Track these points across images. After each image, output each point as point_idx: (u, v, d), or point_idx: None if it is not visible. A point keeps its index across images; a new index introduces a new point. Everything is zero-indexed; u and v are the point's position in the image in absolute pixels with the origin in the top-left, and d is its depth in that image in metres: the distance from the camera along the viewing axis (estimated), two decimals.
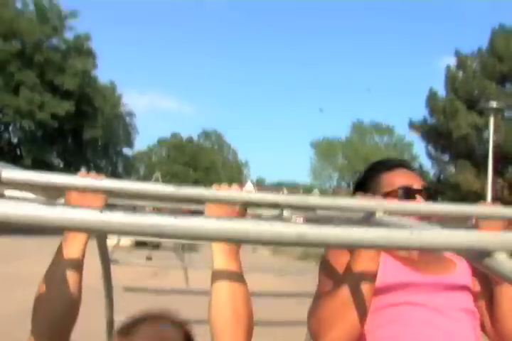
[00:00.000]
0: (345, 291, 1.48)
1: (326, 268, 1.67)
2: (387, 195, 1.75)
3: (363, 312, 1.49)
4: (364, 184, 1.86)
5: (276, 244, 0.54)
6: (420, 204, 0.96)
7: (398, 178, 1.78)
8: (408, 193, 1.74)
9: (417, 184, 1.77)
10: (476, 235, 0.60)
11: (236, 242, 1.23)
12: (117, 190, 0.83)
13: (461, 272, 1.71)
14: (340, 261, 1.59)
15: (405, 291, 1.60)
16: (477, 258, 0.61)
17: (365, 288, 1.48)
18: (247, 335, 1.36)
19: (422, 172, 23.24)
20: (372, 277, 1.49)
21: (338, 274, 1.60)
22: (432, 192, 1.81)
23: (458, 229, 0.62)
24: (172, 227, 0.50)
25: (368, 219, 0.90)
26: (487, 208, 1.10)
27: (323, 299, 1.54)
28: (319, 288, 1.66)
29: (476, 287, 1.74)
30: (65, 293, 1.36)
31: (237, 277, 1.38)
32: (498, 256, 0.59)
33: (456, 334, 1.60)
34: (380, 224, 0.82)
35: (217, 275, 1.37)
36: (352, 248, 0.64)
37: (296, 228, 0.52)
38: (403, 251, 1.69)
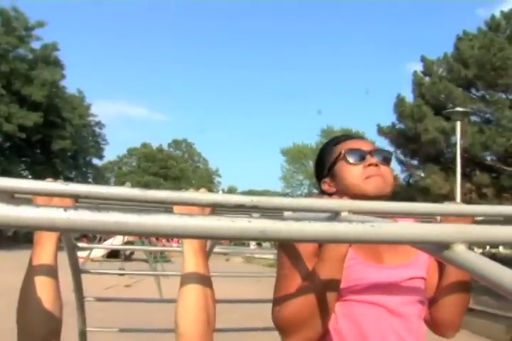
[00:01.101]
0: (314, 286, 1.50)
1: (288, 251, 1.65)
2: (336, 161, 1.75)
3: (330, 305, 1.51)
4: (320, 161, 1.87)
5: (240, 238, 0.55)
6: (386, 203, 0.98)
7: (347, 145, 1.77)
8: (357, 155, 1.72)
9: (367, 146, 1.76)
10: (436, 227, 0.62)
11: (200, 238, 1.24)
12: (84, 193, 0.83)
13: (419, 260, 1.73)
14: (305, 247, 1.59)
15: (359, 287, 1.62)
16: (437, 250, 0.63)
17: (333, 281, 1.50)
18: (211, 338, 1.38)
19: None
20: (338, 270, 1.52)
21: (301, 259, 1.60)
22: (391, 157, 1.78)
23: (418, 223, 0.64)
24: (136, 224, 0.51)
25: (333, 218, 0.91)
26: (451, 206, 1.13)
27: (291, 293, 1.55)
28: (282, 273, 1.64)
29: (433, 272, 1.77)
30: (44, 302, 1.35)
31: (207, 279, 1.40)
32: (457, 248, 0.61)
33: (403, 331, 1.63)
34: (343, 221, 0.84)
35: (188, 278, 1.39)
36: (312, 242, 0.65)
37: (258, 223, 0.53)
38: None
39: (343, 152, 1.74)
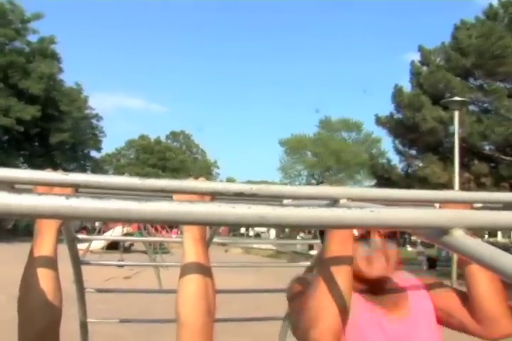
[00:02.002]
0: (325, 280, 1.50)
1: (295, 298, 1.69)
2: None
3: (345, 296, 1.51)
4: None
5: (240, 225, 0.55)
6: (384, 190, 0.98)
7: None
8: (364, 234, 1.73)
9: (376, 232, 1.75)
10: (434, 213, 0.62)
11: (200, 224, 1.24)
12: (84, 183, 0.84)
13: (417, 304, 1.77)
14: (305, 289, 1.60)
15: (370, 336, 1.65)
16: (436, 235, 0.64)
17: (343, 271, 1.50)
18: (212, 327, 1.38)
19: (390, 167, 23.50)
20: (348, 260, 1.51)
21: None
22: (400, 238, 1.80)
23: (416, 209, 0.65)
24: (137, 211, 0.52)
25: (332, 205, 0.92)
26: (449, 193, 1.13)
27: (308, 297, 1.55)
28: (296, 314, 1.64)
29: (440, 301, 1.79)
30: (45, 293, 1.36)
31: (207, 268, 1.40)
32: (456, 233, 0.62)
33: None
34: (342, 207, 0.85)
35: (188, 268, 1.39)
36: (312, 228, 0.66)
37: (258, 209, 0.54)
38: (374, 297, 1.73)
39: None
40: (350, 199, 0.92)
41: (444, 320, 1.78)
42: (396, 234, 1.75)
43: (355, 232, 1.68)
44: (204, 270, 1.39)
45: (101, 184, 0.86)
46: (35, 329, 1.37)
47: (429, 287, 1.84)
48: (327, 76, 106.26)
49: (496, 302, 1.67)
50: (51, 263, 1.41)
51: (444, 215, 0.62)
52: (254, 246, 31.79)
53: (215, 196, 1.33)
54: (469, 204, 1.50)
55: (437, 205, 1.56)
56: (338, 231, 1.49)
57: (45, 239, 1.42)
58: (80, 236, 2.34)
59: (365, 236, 1.71)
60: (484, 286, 1.67)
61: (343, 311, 1.46)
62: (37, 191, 1.30)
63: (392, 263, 1.73)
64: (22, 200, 0.51)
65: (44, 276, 1.38)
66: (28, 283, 1.38)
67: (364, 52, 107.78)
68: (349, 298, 1.48)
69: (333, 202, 0.93)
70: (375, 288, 1.74)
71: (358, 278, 1.67)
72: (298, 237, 37.55)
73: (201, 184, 0.84)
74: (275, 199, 1.15)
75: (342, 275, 1.49)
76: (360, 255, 1.70)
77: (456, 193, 1.18)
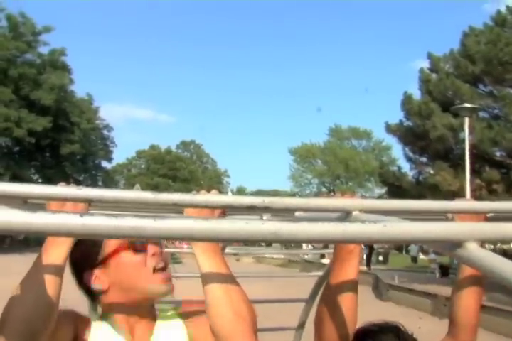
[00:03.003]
0: (334, 287, 1.53)
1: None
2: None
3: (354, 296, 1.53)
4: None
5: (253, 240, 0.55)
6: (397, 202, 0.98)
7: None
8: None
9: None
10: (448, 226, 0.62)
11: (214, 241, 1.24)
12: (97, 198, 0.84)
13: None
14: None
15: None
16: (450, 249, 0.63)
17: (349, 280, 1.53)
18: (253, 333, 1.38)
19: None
20: (353, 268, 1.53)
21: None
22: None
23: (430, 222, 0.64)
24: (152, 229, 0.52)
25: (344, 218, 0.92)
26: (462, 203, 1.13)
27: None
28: None
29: None
30: (43, 297, 1.34)
31: (224, 275, 1.40)
32: (470, 246, 0.61)
33: None
34: (355, 221, 0.84)
35: (207, 278, 1.39)
36: (325, 242, 0.65)
37: (271, 225, 0.54)
38: None
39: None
40: (362, 211, 0.92)
41: None
42: None
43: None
44: (221, 277, 1.39)
45: (114, 198, 0.86)
46: (24, 328, 1.33)
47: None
48: (336, 83, 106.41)
49: (477, 312, 1.71)
50: (58, 269, 1.36)
51: (458, 228, 0.62)
52: (266, 255, 31.75)
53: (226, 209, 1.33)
54: (483, 214, 1.49)
55: (450, 215, 1.56)
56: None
57: (59, 243, 1.38)
58: None
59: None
60: (476, 298, 1.70)
61: None
62: (50, 207, 1.30)
63: None
64: (36, 218, 0.51)
65: (47, 281, 1.35)
66: (28, 284, 1.34)
67: (373, 60, 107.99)
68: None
69: (346, 214, 0.92)
70: None
71: None
72: (310, 246, 37.52)
73: (213, 197, 0.85)
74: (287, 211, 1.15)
75: (352, 281, 1.54)
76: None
77: (469, 203, 1.18)
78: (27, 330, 1.31)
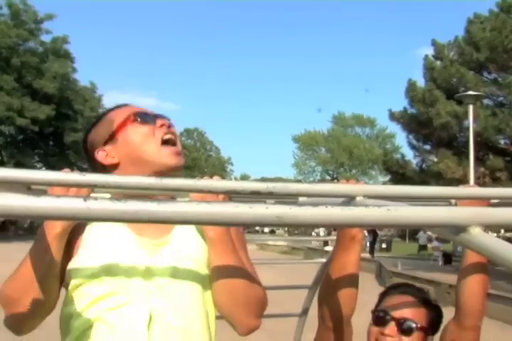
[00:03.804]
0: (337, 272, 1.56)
1: None
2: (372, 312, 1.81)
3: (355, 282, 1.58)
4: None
5: (257, 224, 0.55)
6: (401, 187, 0.98)
7: (391, 304, 1.80)
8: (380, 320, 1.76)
9: (406, 314, 1.76)
10: (451, 211, 0.62)
11: (218, 225, 1.25)
12: (100, 183, 0.84)
13: None
14: None
15: None
16: (453, 233, 0.63)
17: (351, 266, 1.56)
18: (254, 316, 1.45)
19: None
20: (355, 255, 1.56)
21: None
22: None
23: (434, 207, 0.64)
24: (156, 212, 0.52)
25: (348, 203, 0.92)
26: (465, 189, 1.13)
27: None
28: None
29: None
30: (43, 275, 1.36)
31: (230, 265, 1.44)
32: (473, 231, 0.61)
33: None
34: (359, 206, 0.84)
35: (216, 266, 1.43)
36: (329, 226, 0.65)
37: (275, 209, 0.54)
38: None
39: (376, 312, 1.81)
40: (366, 196, 0.92)
41: None
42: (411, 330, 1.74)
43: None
44: (225, 267, 1.43)
45: (118, 184, 0.86)
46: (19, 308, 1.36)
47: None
48: (340, 71, 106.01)
49: (482, 298, 1.72)
50: (58, 248, 1.38)
51: (461, 213, 0.62)
52: (269, 242, 31.83)
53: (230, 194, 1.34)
54: (486, 200, 1.49)
55: (453, 201, 1.56)
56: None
57: (58, 233, 1.38)
58: None
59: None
60: (480, 284, 1.70)
61: None
62: (52, 192, 1.30)
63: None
64: (40, 202, 0.51)
65: (46, 260, 1.35)
66: (29, 262, 1.36)
67: (377, 47, 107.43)
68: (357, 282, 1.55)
69: (350, 199, 0.92)
70: None
71: None
72: (313, 233, 37.57)
73: (217, 183, 0.84)
74: (291, 197, 1.15)
75: (353, 268, 1.57)
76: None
77: (473, 189, 1.18)
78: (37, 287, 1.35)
